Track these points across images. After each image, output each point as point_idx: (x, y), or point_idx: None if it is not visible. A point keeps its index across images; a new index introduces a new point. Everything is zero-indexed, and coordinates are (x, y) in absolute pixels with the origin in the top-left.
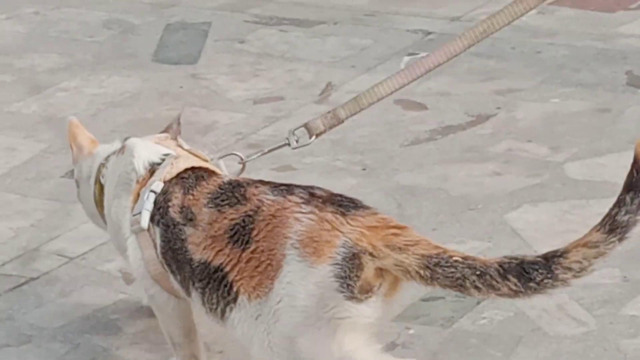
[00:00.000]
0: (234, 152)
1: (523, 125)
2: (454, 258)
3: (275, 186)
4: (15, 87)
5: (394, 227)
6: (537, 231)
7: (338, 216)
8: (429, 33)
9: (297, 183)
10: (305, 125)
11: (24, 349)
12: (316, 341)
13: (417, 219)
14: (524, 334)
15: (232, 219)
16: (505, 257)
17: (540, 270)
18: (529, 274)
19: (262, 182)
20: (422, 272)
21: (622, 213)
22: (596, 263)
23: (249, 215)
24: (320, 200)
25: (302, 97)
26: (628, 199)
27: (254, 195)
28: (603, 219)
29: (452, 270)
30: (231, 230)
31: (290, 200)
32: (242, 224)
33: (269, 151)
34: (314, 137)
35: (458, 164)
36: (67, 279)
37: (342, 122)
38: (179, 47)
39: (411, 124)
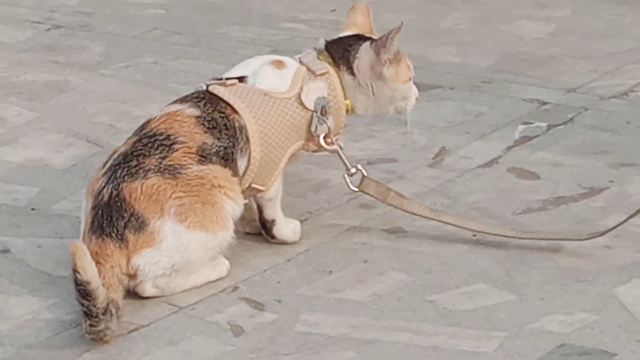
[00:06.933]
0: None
1: (635, 200)
2: None
3: None
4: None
5: None
6: None
7: None
8: (545, 103)
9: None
10: (363, 176)
11: None
12: None
13: (526, 287)
14: None
15: None
16: None
17: None
18: None
19: None
20: None
21: None
22: None
23: None
24: None
25: (416, 160)
26: None
27: None
28: None
29: None
30: None
31: None
32: None
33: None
34: (356, 189)
35: None
36: (175, 328)
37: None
38: None
39: (524, 193)
